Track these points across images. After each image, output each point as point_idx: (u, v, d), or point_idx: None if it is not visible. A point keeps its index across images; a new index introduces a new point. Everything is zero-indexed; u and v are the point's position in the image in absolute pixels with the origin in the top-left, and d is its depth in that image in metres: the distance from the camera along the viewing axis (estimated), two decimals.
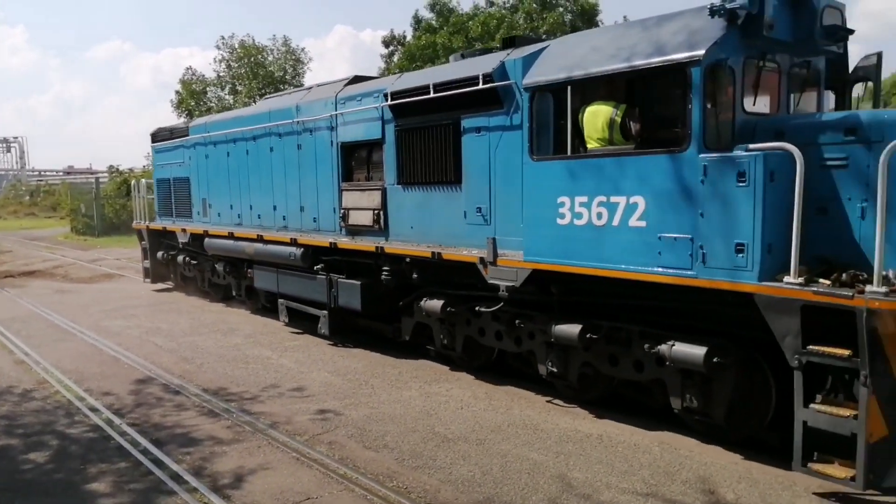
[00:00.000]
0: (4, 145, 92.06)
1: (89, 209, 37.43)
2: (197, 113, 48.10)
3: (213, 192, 14.16)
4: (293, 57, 52.48)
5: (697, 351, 6.18)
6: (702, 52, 5.88)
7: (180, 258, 15.75)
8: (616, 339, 7.09)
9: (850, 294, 5.11)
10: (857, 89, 7.26)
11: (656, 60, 6.23)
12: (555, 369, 7.58)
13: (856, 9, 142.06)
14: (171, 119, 43.94)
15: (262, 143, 12.26)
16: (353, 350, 10.43)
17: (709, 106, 5.98)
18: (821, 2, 6.30)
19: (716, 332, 6.35)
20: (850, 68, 7.13)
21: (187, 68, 58.46)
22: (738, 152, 5.76)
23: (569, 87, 6.89)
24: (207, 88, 51.38)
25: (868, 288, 5.08)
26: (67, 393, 8.53)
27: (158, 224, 16.58)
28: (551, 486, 5.70)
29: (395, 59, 55.48)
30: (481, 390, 8.30)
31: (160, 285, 17.08)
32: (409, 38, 55.75)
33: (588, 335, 7.08)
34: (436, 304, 8.84)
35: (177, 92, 51.75)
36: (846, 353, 5.21)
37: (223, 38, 53.58)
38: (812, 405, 5.45)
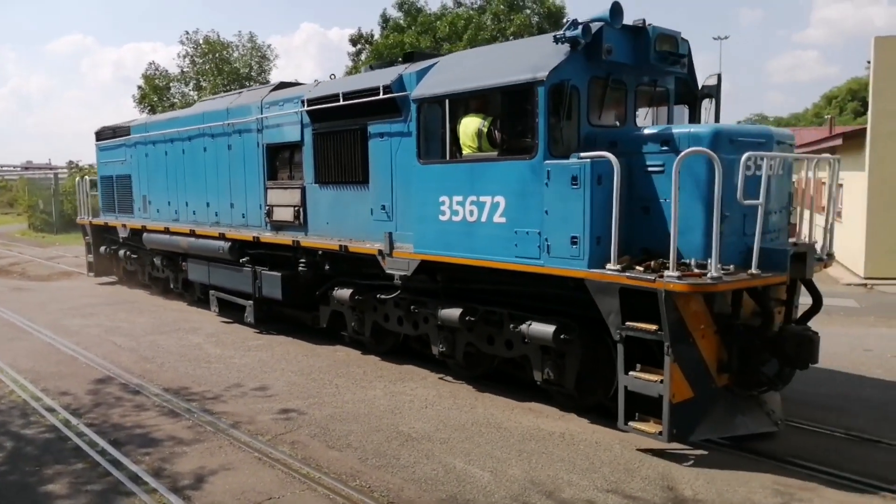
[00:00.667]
0: None
1: (47, 205, 36.57)
2: (160, 108, 47.30)
3: (152, 189, 14.80)
4: (259, 53, 51.88)
5: (548, 329, 7.14)
6: (545, 74, 6.79)
7: (121, 252, 16.38)
8: (491, 322, 8.00)
9: (653, 278, 6.04)
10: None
11: (511, 80, 7.16)
12: (444, 349, 8.51)
13: (811, 15, 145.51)
14: (135, 114, 43.05)
15: (197, 143, 12.97)
16: (317, 349, 10.37)
17: (553, 119, 6.89)
18: (655, 31, 7.28)
19: (565, 313, 7.25)
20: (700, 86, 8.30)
21: (150, 63, 57.32)
22: (572, 160, 6.64)
23: (447, 101, 7.76)
24: (171, 84, 50.53)
25: (666, 273, 6.00)
26: (23, 393, 8.34)
27: (101, 220, 17.21)
28: (514, 484, 5.74)
29: (363, 57, 55.29)
30: (446, 389, 8.33)
31: (104, 279, 17.50)
32: (376, 36, 55.61)
33: (467, 318, 8.02)
34: (345, 292, 9.72)
35: (139, 87, 50.80)
36: (654, 328, 6.16)
37: (187, 33, 52.61)
38: (631, 372, 6.40)
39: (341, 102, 9.39)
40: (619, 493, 5.57)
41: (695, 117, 8.47)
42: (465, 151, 7.71)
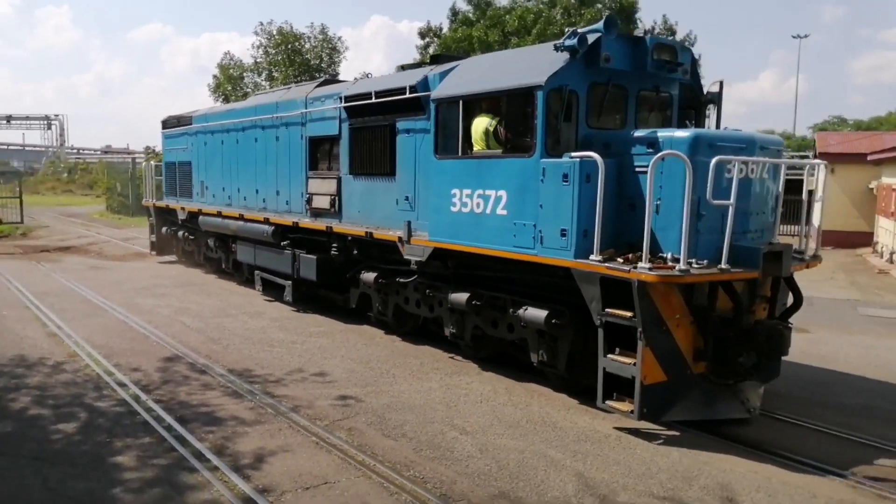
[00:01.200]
0: (45, 122, 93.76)
1: (125, 188, 38.10)
2: (233, 98, 48.59)
3: (209, 175, 15.88)
4: (330, 45, 52.68)
5: (541, 314, 7.74)
6: (543, 79, 7.35)
7: (180, 234, 17.73)
8: (495, 306, 8.61)
9: (628, 269, 6.57)
10: None
11: (514, 85, 7.81)
12: (454, 331, 9.24)
13: None
14: (209, 102, 44.39)
15: (249, 133, 13.93)
16: (375, 338, 10.51)
17: (551, 121, 7.44)
18: (652, 41, 7.83)
19: (559, 300, 7.77)
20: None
21: (225, 53, 58.97)
22: (564, 158, 7.17)
23: (461, 102, 8.47)
24: (244, 74, 51.84)
25: (639, 265, 6.50)
26: (97, 367, 8.73)
27: (163, 202, 18.47)
28: (567, 485, 5.71)
29: (431, 50, 55.47)
30: (501, 385, 8.32)
31: (167, 258, 18.89)
32: (445, 30, 55.71)
33: (474, 302, 8.70)
34: (371, 276, 10.57)
35: (214, 76, 52.30)
36: (629, 314, 6.69)
37: (262, 24, 53.83)
38: (609, 355, 6.96)
39: (374, 100, 10.21)
40: (676, 501, 5.47)
41: (700, 122, 9.00)
42: (475, 148, 8.34)
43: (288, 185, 12.74)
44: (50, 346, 9.78)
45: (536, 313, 7.82)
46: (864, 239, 25.06)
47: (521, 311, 8.04)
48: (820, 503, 5.49)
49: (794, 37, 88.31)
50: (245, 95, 48.71)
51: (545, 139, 7.45)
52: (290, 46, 50.46)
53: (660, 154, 6.65)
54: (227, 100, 48.14)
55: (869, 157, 23.83)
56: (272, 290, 13.36)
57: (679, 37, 54.35)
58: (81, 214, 37.01)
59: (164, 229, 18.64)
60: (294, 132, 12.44)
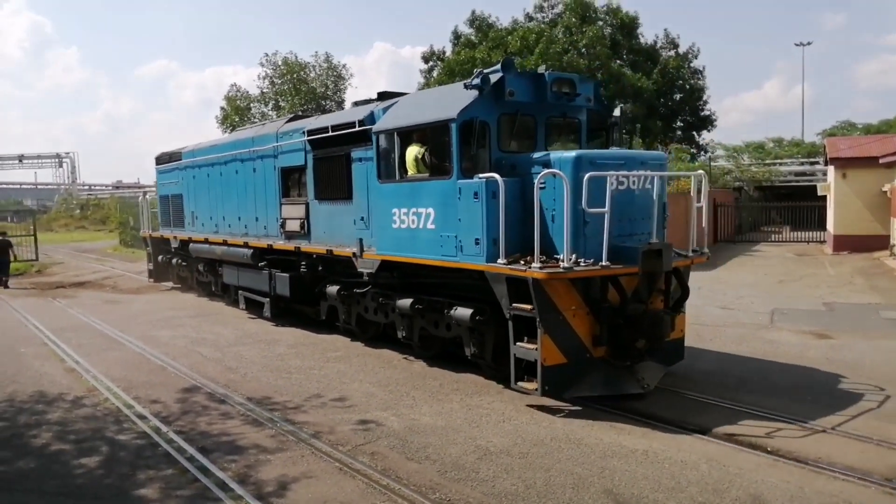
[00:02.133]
0: (57, 160, 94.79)
1: (137, 222, 38.36)
2: (242, 127, 48.96)
3: (198, 205, 17.27)
4: (334, 73, 53.18)
5: (466, 312, 8.88)
6: (455, 113, 8.57)
7: (174, 261, 19.01)
8: (436, 309, 9.66)
9: (524, 269, 7.74)
10: None
11: (434, 118, 9.03)
12: (405, 334, 10.38)
13: None
14: (217, 134, 44.79)
15: (231, 166, 15.31)
16: (393, 362, 10.46)
17: (464, 148, 8.65)
18: (551, 76, 9.21)
19: (484, 300, 8.75)
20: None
21: (232, 85, 59.59)
22: (475, 179, 8.38)
23: (395, 133, 9.75)
24: (251, 104, 52.35)
25: (532, 265, 7.67)
26: (116, 400, 8.72)
27: (159, 233, 19.87)
28: (596, 502, 5.61)
29: (435, 74, 55.95)
30: (523, 403, 8.24)
31: (165, 285, 20.09)
32: (448, 53, 56.17)
33: (416, 306, 9.85)
34: (334, 289, 11.83)
35: (222, 108, 52.82)
36: (529, 307, 7.80)
37: (266, 55, 54.45)
38: (518, 343, 8.09)
39: (331, 133, 11.45)
40: None
41: (609, 142, 10.28)
42: (409, 173, 9.53)
43: (265, 212, 14.00)
44: (69, 381, 9.78)
45: (464, 312, 8.95)
46: (880, 242, 24.82)
47: (452, 312, 9.16)
48: None
49: (797, 45, 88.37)
50: (253, 125, 49.15)
51: (460, 163, 8.67)
52: (295, 76, 50.99)
53: (543, 173, 7.94)
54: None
55: (881, 160, 23.68)
56: (255, 309, 14.48)
57: (682, 49, 54.61)
58: (95, 249, 37.27)
59: (160, 257, 19.86)
60: (268, 164, 13.74)
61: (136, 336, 12.80)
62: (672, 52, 55.79)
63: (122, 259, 31.09)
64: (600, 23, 51.82)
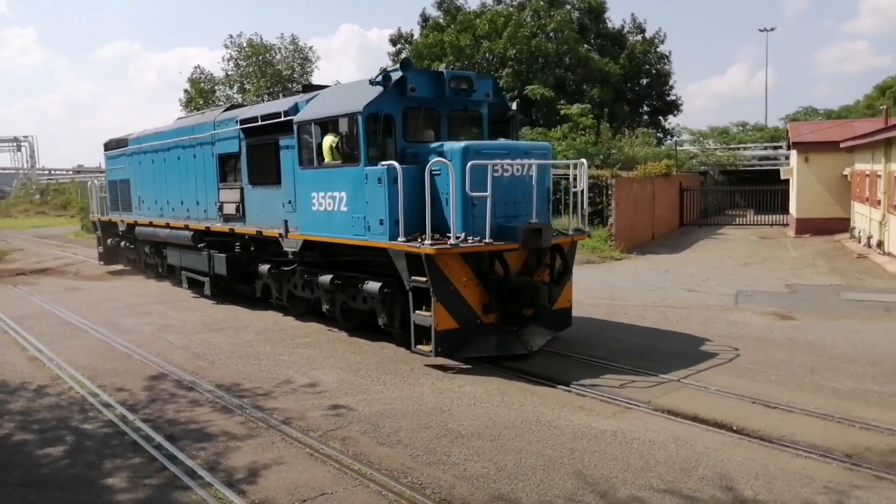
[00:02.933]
0: (14, 144, 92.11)
1: None
2: (205, 111, 48.04)
3: (144, 190, 17.99)
4: (301, 55, 52.44)
5: (376, 285, 9.89)
6: (361, 107, 9.60)
7: (122, 244, 19.89)
8: (353, 284, 10.53)
9: (418, 245, 8.80)
10: None
11: (345, 111, 10.01)
12: (328, 307, 11.30)
13: (861, 5, 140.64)
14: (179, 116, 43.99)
15: (173, 153, 16.05)
16: (364, 346, 10.43)
17: (371, 138, 9.66)
18: (449, 74, 10.22)
19: (391, 275, 9.67)
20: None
21: (195, 67, 58.28)
22: (379, 166, 9.31)
23: (312, 124, 10.71)
24: (216, 87, 51.39)
25: (425, 242, 8.71)
26: (81, 389, 8.56)
27: (107, 217, 20.69)
28: (567, 483, 5.67)
29: (402, 56, 55.44)
30: (493, 386, 8.28)
31: (114, 267, 20.73)
32: (416, 36, 55.75)
33: (336, 281, 10.79)
34: (265, 267, 12.82)
35: (185, 91, 51.76)
36: (424, 279, 8.85)
37: (231, 36, 53.41)
38: (416, 311, 9.18)
39: (260, 122, 12.28)
40: (676, 494, 5.45)
41: (509, 133, 11.31)
42: (325, 160, 10.48)
43: (205, 196, 14.78)
44: (31, 370, 9.57)
45: (373, 286, 9.96)
46: (841, 225, 25.44)
47: (364, 286, 10.14)
48: (817, 487, 5.50)
49: (760, 30, 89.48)
50: (233, 104, 48.32)
51: (367, 152, 9.66)
52: (260, 58, 50.15)
53: (435, 160, 8.96)
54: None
55: (841, 145, 24.19)
56: (198, 288, 15.25)
57: (648, 34, 54.95)
58: (56, 236, 36.40)
59: (109, 241, 20.69)
60: (206, 150, 14.50)
61: (100, 323, 12.57)
62: (639, 37, 56.11)
63: (84, 245, 30.38)
64: (568, 7, 51.86)
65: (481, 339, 9.36)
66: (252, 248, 13.44)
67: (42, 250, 27.91)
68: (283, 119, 11.51)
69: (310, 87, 12.50)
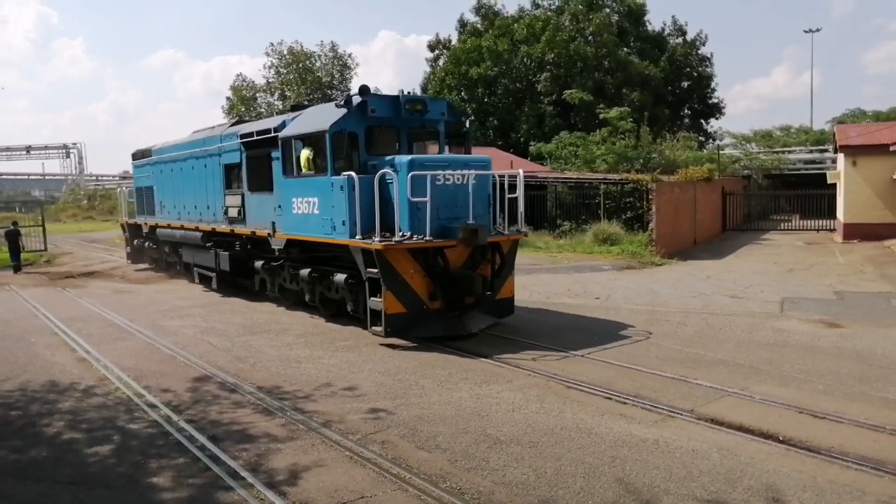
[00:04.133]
0: (64, 151, 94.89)
1: None
2: (247, 118, 48.87)
3: (164, 196, 20.00)
4: (340, 62, 53.01)
5: (342, 277, 11.66)
6: (328, 126, 11.29)
7: (146, 244, 21.82)
8: (326, 276, 12.32)
9: (370, 243, 10.41)
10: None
11: (316, 129, 11.77)
12: (309, 297, 13.03)
13: None
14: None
15: (189, 162, 18.01)
16: (402, 351, 10.47)
17: (337, 152, 11.40)
18: (405, 98, 11.91)
19: (355, 268, 11.22)
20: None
21: (238, 75, 59.27)
22: (341, 176, 10.98)
23: (292, 140, 12.45)
24: (257, 94, 52.18)
25: (375, 239, 10.39)
26: (127, 390, 8.75)
27: (133, 220, 22.94)
28: (608, 491, 5.60)
29: (441, 62, 55.68)
30: (532, 393, 8.23)
31: (141, 265, 22.62)
32: (454, 42, 55.84)
33: (313, 274, 12.61)
34: (259, 263, 14.58)
35: (227, 98, 52.66)
36: (376, 270, 10.46)
37: (272, 44, 54.21)
38: (372, 298, 10.82)
39: (255, 137, 14.01)
40: None
41: (464, 148, 13.20)
42: (303, 170, 12.17)
43: (213, 201, 16.58)
44: (80, 370, 9.83)
45: (340, 277, 11.72)
46: (890, 231, 24.67)
47: (333, 277, 11.92)
48: (870, 501, 5.33)
49: (805, 31, 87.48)
50: (259, 115, 49.20)
51: (333, 163, 11.34)
52: (301, 65, 50.84)
53: (386, 171, 10.60)
54: (241, 120, 48.57)
55: (891, 148, 23.48)
56: (207, 282, 17.11)
57: (690, 37, 54.14)
58: (103, 240, 37.35)
59: (135, 241, 22.78)
60: (215, 161, 16.34)
61: (146, 325, 12.85)
62: (680, 40, 55.38)
63: None
64: (607, 10, 51.47)
65: (427, 322, 10.90)
66: (249, 247, 15.06)
67: (90, 254, 28.69)
68: (272, 135, 13.18)
69: (298, 107, 14.34)
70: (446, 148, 12.96)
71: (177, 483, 5.93)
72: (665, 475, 5.87)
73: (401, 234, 10.51)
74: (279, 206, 13.12)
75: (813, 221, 30.97)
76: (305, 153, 12.06)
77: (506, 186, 12.16)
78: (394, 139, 12.27)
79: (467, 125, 13.21)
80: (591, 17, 48.82)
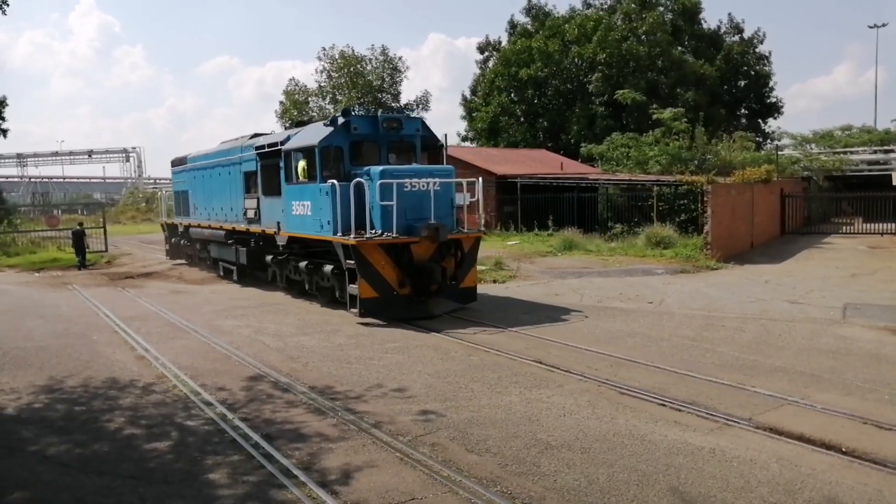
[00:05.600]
0: (124, 155, 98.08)
1: None
2: (306, 118, 49.67)
3: (197, 199, 22.54)
4: (391, 66, 53.37)
5: (329, 268, 14.10)
6: (317, 142, 13.70)
7: (182, 242, 24.41)
8: (319, 268, 14.64)
9: (348, 238, 12.55)
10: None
11: (308, 144, 14.18)
12: (308, 286, 15.39)
13: None
14: (277, 129, 45.58)
15: (216, 170, 20.49)
16: (451, 353, 10.47)
17: (325, 163, 13.74)
18: (382, 117, 14.41)
19: (340, 260, 13.36)
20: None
21: (290, 79, 60.21)
22: (327, 183, 13.11)
23: (292, 152, 14.86)
24: (309, 98, 52.91)
25: (350, 236, 12.53)
26: (184, 387, 8.98)
27: (171, 220, 25.64)
28: (662, 500, 5.48)
29: (490, 64, 55.60)
30: (584, 398, 8.13)
31: (178, 261, 25.08)
32: (504, 43, 55.69)
33: (309, 266, 15.02)
34: (269, 257, 17.07)
35: (281, 102, 53.58)
36: (353, 262, 12.56)
37: (324, 48, 55.04)
38: (350, 285, 13.02)
39: (266, 150, 16.34)
40: None
41: (438, 159, 16.30)
42: (300, 178, 14.47)
43: (236, 204, 18.83)
44: (139, 368, 10.13)
45: (328, 268, 14.15)
46: None
47: (323, 268, 14.31)
48: None
49: (870, 27, 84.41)
50: (311, 119, 49.94)
51: (322, 173, 13.68)
52: (352, 69, 51.36)
53: (361, 179, 12.79)
54: (293, 124, 49.40)
55: None
56: (228, 275, 19.56)
57: (746, 34, 52.82)
58: (161, 241, 38.25)
59: (173, 240, 25.37)
60: (236, 169, 18.68)
61: (201, 325, 13.16)
62: (736, 38, 54.10)
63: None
64: (661, 8, 50.60)
65: (396, 305, 12.97)
66: (261, 243, 17.37)
67: (148, 255, 29.54)
68: (279, 147, 15.42)
69: (300, 124, 17.09)
70: (425, 158, 15.24)
71: (232, 480, 6.05)
72: (721, 485, 5.72)
73: (373, 231, 12.80)
74: (283, 209, 15.34)
75: (877, 225, 29.80)
76: (301, 164, 14.32)
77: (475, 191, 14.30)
78: (375, 152, 14.34)
79: (441, 141, 15.87)
80: (644, 15, 48.08)
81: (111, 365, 10.30)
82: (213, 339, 11.85)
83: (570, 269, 20.28)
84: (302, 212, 14.45)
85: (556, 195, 30.60)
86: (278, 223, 15.60)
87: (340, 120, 13.77)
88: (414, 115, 54.23)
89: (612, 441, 6.76)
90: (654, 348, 10.43)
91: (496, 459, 6.37)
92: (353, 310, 13.00)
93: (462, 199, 14.38)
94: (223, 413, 7.86)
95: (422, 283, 13.08)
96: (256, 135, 18.52)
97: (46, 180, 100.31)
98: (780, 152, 40.46)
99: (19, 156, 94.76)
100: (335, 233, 13.04)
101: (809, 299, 14.49)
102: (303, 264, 15.11)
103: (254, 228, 17.22)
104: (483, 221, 14.02)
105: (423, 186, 12.88)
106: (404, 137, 14.62)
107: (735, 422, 7.20)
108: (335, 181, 12.85)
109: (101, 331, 13.00)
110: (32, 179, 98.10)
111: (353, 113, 14.29)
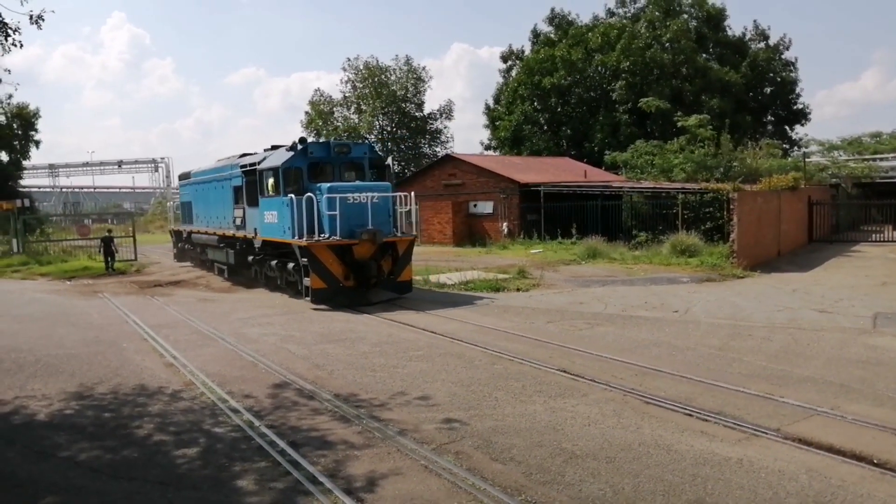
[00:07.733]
0: (153, 165, 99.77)
1: None
2: (324, 133, 50.12)
3: (198, 209, 26.14)
4: (414, 76, 53.61)
5: (291, 265, 17.25)
6: (280, 164, 17.29)
7: (186, 247, 27.98)
8: (285, 266, 17.65)
9: (302, 240, 16.14)
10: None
11: (273, 165, 17.63)
12: (280, 281, 18.42)
13: None
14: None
15: (212, 184, 23.92)
16: (475, 361, 10.48)
17: (288, 181, 17.17)
18: (334, 144, 18.51)
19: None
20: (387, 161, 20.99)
21: (315, 90, 60.74)
22: (288, 197, 16.58)
23: (264, 171, 18.10)
24: (334, 108, 53.31)
25: (303, 239, 16.14)
26: (211, 395, 9.09)
27: (177, 227, 29.69)
28: None
29: (513, 73, 55.65)
30: (609, 407, 8.09)
31: (185, 263, 28.49)
32: (527, 52, 55.72)
33: (278, 264, 18.14)
34: (251, 258, 20.10)
35: (306, 113, 54.07)
36: (306, 260, 16.24)
37: (349, 59, 55.35)
38: (305, 278, 16.49)
39: (248, 168, 19.54)
40: None
41: (384, 177, 18.71)
42: (270, 193, 17.72)
43: (227, 213, 22.11)
44: (168, 375, 10.27)
45: (290, 265, 17.22)
46: None
47: (287, 266, 17.45)
48: None
49: None
50: (335, 129, 50.34)
51: (285, 189, 16.97)
52: (376, 80, 51.68)
53: (307, 194, 16.19)
54: (319, 135, 49.81)
55: None
56: (220, 274, 23.09)
57: (772, 41, 52.29)
58: None
59: (179, 245, 29.29)
60: (227, 183, 21.97)
61: (228, 333, 13.32)
62: (762, 44, 53.59)
63: None
64: (685, 16, 50.32)
65: (342, 295, 16.21)
66: (245, 246, 20.49)
67: (176, 264, 29.93)
68: (256, 167, 18.68)
69: (274, 147, 19.24)
70: (374, 176, 18.37)
71: (260, 486, 6.11)
72: (749, 496, 5.66)
73: (322, 235, 16.15)
74: (259, 217, 18.63)
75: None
76: (271, 181, 17.74)
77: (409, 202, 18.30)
78: (330, 171, 17.68)
79: (387, 162, 20.60)
80: (668, 23, 47.83)
81: (140, 372, 10.46)
82: (240, 347, 11.98)
83: (594, 278, 20.19)
84: (271, 220, 17.77)
85: (579, 203, 30.51)
86: (255, 229, 19.01)
87: (300, 145, 17.20)
88: (437, 124, 54.29)
89: (637, 451, 6.72)
90: (679, 357, 10.35)
91: (520, 468, 6.36)
92: (306, 298, 16.31)
93: (402, 208, 17.99)
94: (250, 420, 7.95)
95: (363, 277, 16.40)
96: (244, 154, 21.28)
97: (77, 190, 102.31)
98: (807, 159, 39.92)
99: (51, 166, 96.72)
100: (293, 236, 16.42)
101: (838, 308, 14.27)
102: (273, 263, 18.39)
103: (239, 234, 20.54)
104: (416, 226, 16.43)
105: (363, 199, 16.26)
106: (353, 159, 18.09)
107: (763, 432, 7.12)
108: (293, 195, 16.25)
109: (130, 338, 13.21)
110: (64, 189, 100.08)
111: (307, 141, 17.56)
